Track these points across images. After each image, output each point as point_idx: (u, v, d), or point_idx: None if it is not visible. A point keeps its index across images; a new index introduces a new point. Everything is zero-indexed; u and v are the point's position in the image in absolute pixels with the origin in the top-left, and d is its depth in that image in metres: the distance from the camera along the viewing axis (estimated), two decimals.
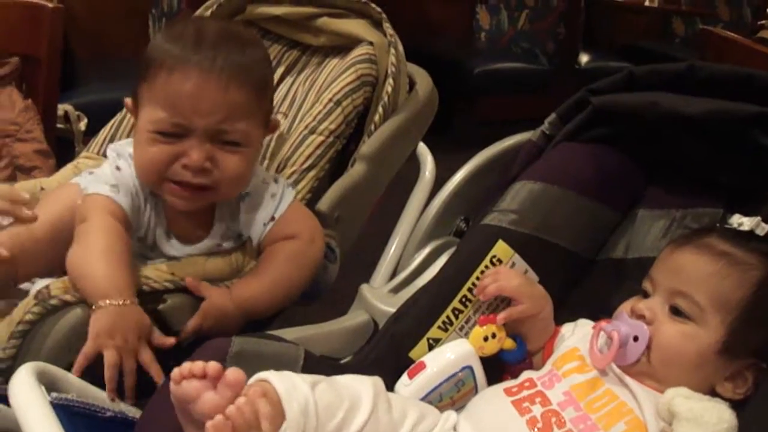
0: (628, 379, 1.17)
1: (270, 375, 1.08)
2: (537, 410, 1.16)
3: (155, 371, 1.33)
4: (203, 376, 1.03)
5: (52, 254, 1.47)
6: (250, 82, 1.49)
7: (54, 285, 1.38)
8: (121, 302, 1.34)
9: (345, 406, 1.10)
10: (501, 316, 1.28)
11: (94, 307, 1.33)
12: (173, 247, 1.56)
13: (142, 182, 1.52)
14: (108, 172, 1.53)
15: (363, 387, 1.14)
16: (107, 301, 1.33)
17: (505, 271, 1.34)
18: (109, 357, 1.30)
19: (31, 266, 1.48)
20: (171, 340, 1.39)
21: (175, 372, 1.04)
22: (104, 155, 1.87)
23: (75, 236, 1.44)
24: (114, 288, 1.35)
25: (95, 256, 1.39)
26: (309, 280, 1.58)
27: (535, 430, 1.13)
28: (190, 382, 1.03)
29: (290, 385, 1.06)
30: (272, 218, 1.58)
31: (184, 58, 1.45)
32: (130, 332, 1.33)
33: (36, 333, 1.34)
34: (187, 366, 1.04)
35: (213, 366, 1.03)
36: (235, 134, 1.48)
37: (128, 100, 1.56)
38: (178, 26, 1.58)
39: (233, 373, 1.03)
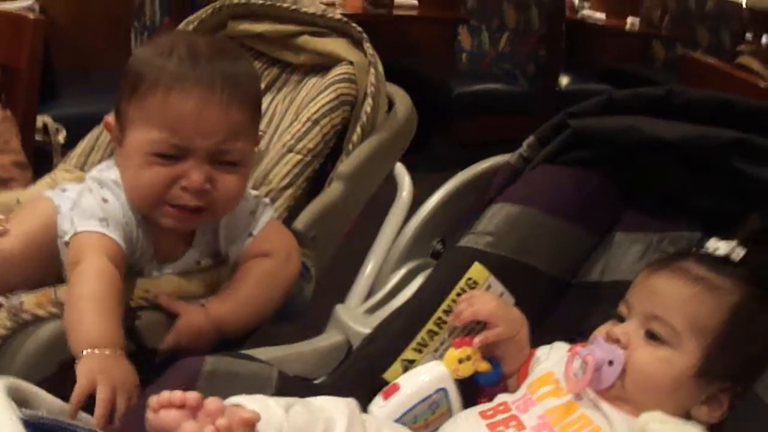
0: (602, 404, 1.16)
1: (243, 400, 1.07)
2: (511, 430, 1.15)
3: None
4: (182, 406, 1.01)
5: (24, 271, 1.45)
6: (248, 99, 1.48)
7: (27, 300, 1.36)
8: (108, 353, 1.28)
9: (319, 428, 1.09)
10: (477, 340, 1.28)
11: (83, 353, 1.27)
12: (154, 267, 1.53)
13: (135, 207, 1.47)
14: (93, 204, 1.46)
15: (337, 409, 1.14)
16: (96, 351, 1.27)
17: (480, 295, 1.34)
18: (103, 392, 1.22)
19: (1, 282, 1.44)
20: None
21: (153, 400, 1.02)
22: (81, 169, 1.87)
23: (69, 280, 1.39)
24: (103, 338, 1.30)
25: (87, 304, 1.33)
26: (284, 299, 1.56)
27: None
28: (169, 411, 1.01)
29: (263, 410, 1.05)
30: (250, 234, 1.57)
31: (182, 75, 1.40)
32: (122, 376, 1.27)
33: (8, 348, 1.33)
34: (165, 395, 1.02)
35: (192, 396, 1.01)
36: (234, 154, 1.45)
37: (109, 119, 1.51)
38: (165, 40, 1.51)
39: (213, 402, 1.01)
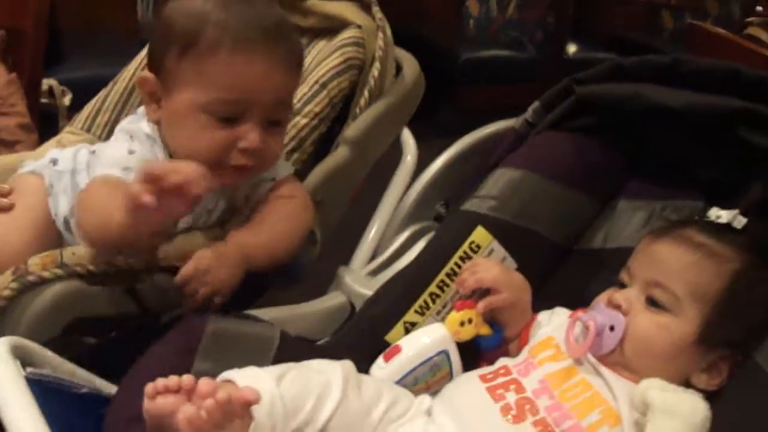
0: (603, 369, 1.17)
1: (235, 374, 1.08)
2: (511, 397, 1.16)
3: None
4: (177, 390, 1.01)
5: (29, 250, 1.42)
6: (300, 61, 1.50)
7: (32, 261, 1.36)
8: None
9: (314, 393, 1.10)
10: (480, 305, 1.28)
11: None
12: None
13: None
14: (118, 154, 1.44)
15: (333, 372, 1.14)
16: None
17: (483, 262, 1.34)
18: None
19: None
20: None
21: (149, 387, 1.02)
22: (87, 131, 1.87)
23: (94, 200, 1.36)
24: None
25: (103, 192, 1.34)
26: (302, 243, 1.57)
27: (509, 416, 1.13)
28: (166, 397, 1.01)
29: (255, 385, 1.06)
30: (273, 179, 1.57)
31: (246, 36, 1.39)
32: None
33: (13, 309, 1.33)
34: (161, 382, 1.01)
35: (187, 379, 1.01)
36: (283, 114, 1.48)
37: (147, 75, 1.47)
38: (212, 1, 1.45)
39: (205, 385, 1.01)
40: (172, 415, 1.00)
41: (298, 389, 1.09)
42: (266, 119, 1.43)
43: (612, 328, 1.18)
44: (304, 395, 1.09)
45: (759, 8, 6.46)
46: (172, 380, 1.01)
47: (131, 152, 1.44)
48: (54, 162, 1.59)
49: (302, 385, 1.10)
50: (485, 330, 1.29)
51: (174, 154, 1.46)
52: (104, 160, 1.43)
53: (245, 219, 1.54)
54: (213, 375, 1.11)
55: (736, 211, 1.25)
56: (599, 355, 1.19)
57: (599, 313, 1.21)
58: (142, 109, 1.54)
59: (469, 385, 1.22)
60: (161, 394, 1.01)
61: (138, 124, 1.50)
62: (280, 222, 1.53)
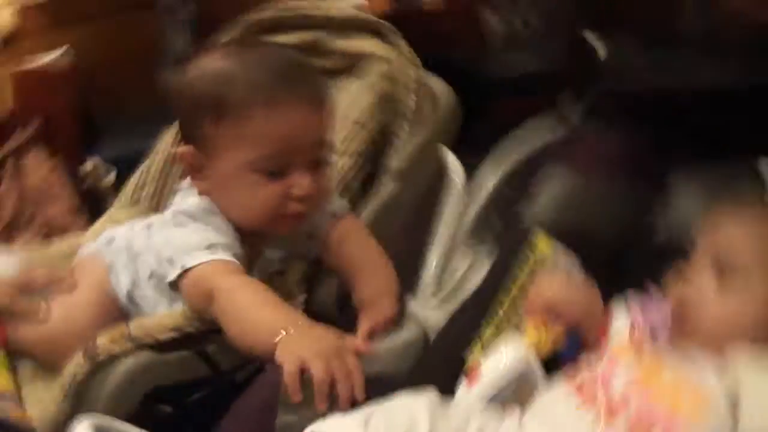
0: (687, 355, 1.15)
1: (321, 427, 1.08)
2: (601, 398, 1.14)
3: (358, 379, 1.18)
4: None
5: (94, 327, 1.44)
6: (327, 99, 1.50)
7: (101, 340, 1.37)
8: (300, 324, 1.26)
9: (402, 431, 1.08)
10: (556, 329, 1.27)
11: (276, 341, 1.22)
12: None
13: (244, 226, 1.47)
14: (192, 237, 1.43)
15: (418, 407, 1.12)
16: (288, 330, 1.23)
17: (548, 281, 1.32)
18: (318, 370, 1.14)
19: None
20: (369, 347, 1.30)
21: None
22: (135, 203, 1.89)
23: (219, 308, 1.35)
24: (286, 318, 1.28)
25: (253, 306, 1.33)
26: None
27: (599, 417, 1.11)
28: None
29: None
30: (333, 214, 1.58)
31: (275, 88, 1.41)
32: (324, 336, 1.24)
33: (89, 390, 1.35)
34: None
35: None
36: (325, 153, 1.48)
37: (186, 150, 1.47)
38: (227, 54, 1.51)
39: None
40: None
41: (385, 430, 1.08)
42: (311, 162, 1.44)
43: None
44: None
45: None
46: None
47: (205, 229, 1.44)
48: (110, 241, 1.59)
49: (389, 426, 1.08)
50: (563, 341, 1.27)
51: (232, 219, 1.46)
52: (185, 248, 1.41)
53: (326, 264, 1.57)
54: (299, 426, 1.11)
55: None
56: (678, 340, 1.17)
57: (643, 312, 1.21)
58: (186, 185, 1.54)
59: (557, 393, 1.19)
60: None
61: (188, 201, 1.49)
62: (380, 257, 1.55)
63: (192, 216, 1.46)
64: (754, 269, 1.15)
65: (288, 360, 1.17)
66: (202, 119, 1.43)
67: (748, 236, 1.17)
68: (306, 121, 1.42)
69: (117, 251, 1.56)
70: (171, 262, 1.42)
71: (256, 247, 1.53)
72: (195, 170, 1.48)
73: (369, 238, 1.59)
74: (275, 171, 1.41)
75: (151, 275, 1.49)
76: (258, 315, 1.31)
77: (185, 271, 1.40)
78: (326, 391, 1.15)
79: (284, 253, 1.57)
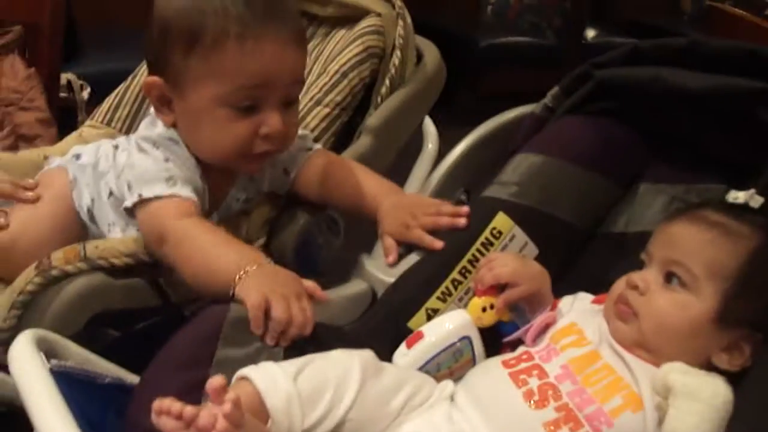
0: (625, 354, 1.17)
1: (251, 372, 1.07)
2: (534, 383, 1.16)
3: (310, 324, 1.19)
4: (179, 418, 0.98)
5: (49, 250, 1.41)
6: (305, 37, 1.47)
7: (54, 256, 1.37)
8: (261, 263, 1.27)
9: (331, 386, 1.09)
10: (500, 300, 1.28)
11: (237, 278, 1.23)
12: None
13: (210, 161, 1.45)
14: (153, 165, 1.40)
15: (351, 363, 1.13)
16: (250, 267, 1.24)
17: (500, 257, 1.33)
18: (279, 310, 1.16)
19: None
20: (324, 295, 1.27)
21: (155, 405, 0.98)
22: (107, 123, 1.88)
23: (166, 252, 1.36)
24: (247, 257, 1.28)
25: (211, 247, 1.31)
26: None
27: (531, 402, 1.13)
28: (168, 420, 0.98)
29: (271, 383, 1.06)
30: (309, 149, 1.59)
31: (250, 21, 1.34)
32: (287, 278, 1.24)
33: (37, 303, 1.34)
34: (166, 403, 0.98)
35: (188, 411, 0.97)
36: (298, 92, 1.46)
37: (154, 80, 1.42)
38: None
39: (205, 418, 0.98)
40: None
41: (315, 383, 1.09)
42: (283, 100, 1.41)
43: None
44: (322, 389, 1.08)
45: None
46: (175, 407, 0.97)
47: (167, 160, 1.42)
48: (77, 157, 1.59)
49: (320, 379, 1.09)
50: (507, 316, 1.29)
51: (198, 153, 1.45)
52: (144, 176, 1.40)
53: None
54: (235, 362, 1.13)
55: (752, 191, 1.25)
56: (617, 339, 1.19)
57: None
58: (153, 113, 1.51)
59: (491, 371, 1.21)
60: (165, 415, 0.98)
61: (155, 130, 1.47)
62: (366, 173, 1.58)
63: (155, 143, 1.44)
64: (701, 273, 1.16)
65: (252, 295, 1.18)
66: (171, 50, 1.38)
67: (697, 240, 1.19)
68: (281, 57, 1.38)
69: (82, 168, 1.55)
70: (129, 187, 1.41)
71: (220, 184, 1.52)
72: (162, 102, 1.44)
73: (348, 161, 1.61)
74: (245, 107, 1.38)
75: (110, 194, 1.49)
76: (217, 254, 1.30)
77: (142, 201, 1.39)
78: (280, 330, 1.17)
79: (252, 192, 1.57)
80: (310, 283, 1.25)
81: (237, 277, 1.23)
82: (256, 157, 1.44)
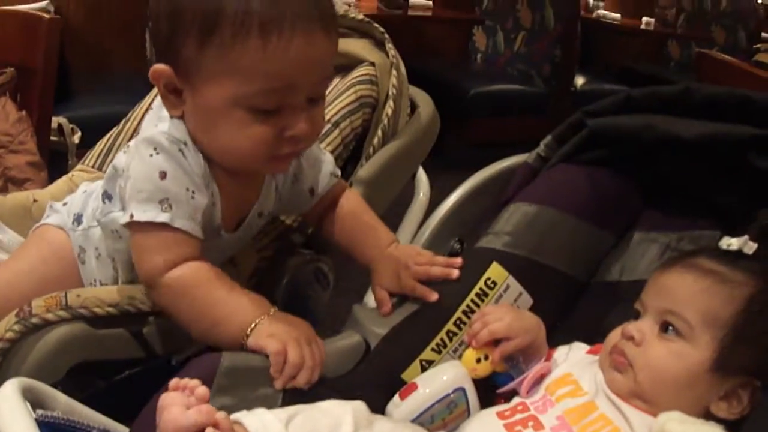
0: (622, 404, 1.16)
1: (243, 418, 1.06)
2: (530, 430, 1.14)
3: (318, 369, 1.19)
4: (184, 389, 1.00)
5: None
6: (336, 22, 1.28)
7: (35, 303, 1.33)
8: (273, 313, 1.24)
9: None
10: (496, 353, 1.27)
11: (249, 330, 1.21)
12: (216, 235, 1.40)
13: (229, 164, 1.32)
14: (149, 183, 1.26)
15: (343, 414, 1.11)
16: (263, 317, 1.22)
17: (494, 311, 1.31)
18: (294, 355, 1.15)
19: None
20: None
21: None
22: (98, 168, 1.86)
23: (170, 298, 1.29)
24: (258, 309, 1.25)
25: (218, 300, 1.26)
26: None
27: None
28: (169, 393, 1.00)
29: (263, 429, 1.04)
30: (336, 175, 1.55)
31: (275, 14, 1.17)
32: (298, 323, 1.23)
33: (17, 351, 1.31)
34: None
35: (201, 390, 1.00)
36: (325, 88, 1.36)
37: (163, 68, 1.25)
38: None
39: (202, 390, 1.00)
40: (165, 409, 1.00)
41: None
42: (309, 98, 1.27)
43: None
44: None
45: (765, 35, 6.50)
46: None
47: (163, 175, 1.26)
48: (78, 221, 1.51)
49: (311, 428, 1.08)
50: (501, 367, 1.28)
51: (211, 155, 1.31)
52: (138, 192, 1.27)
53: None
54: (229, 411, 1.10)
55: (746, 237, 1.25)
56: (613, 389, 1.18)
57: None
58: (159, 104, 1.36)
59: (486, 423, 1.20)
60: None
61: (159, 126, 1.31)
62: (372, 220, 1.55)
63: (157, 147, 1.28)
64: (696, 322, 1.16)
65: (271, 343, 1.17)
66: (183, 37, 1.21)
67: (692, 289, 1.18)
68: (309, 54, 1.21)
69: (85, 236, 1.50)
70: (124, 203, 1.31)
71: (242, 192, 1.43)
72: (169, 90, 1.29)
73: (361, 201, 1.58)
74: (266, 110, 1.23)
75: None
76: (223, 306, 1.26)
77: (133, 222, 1.28)
78: (294, 374, 1.16)
79: (274, 205, 1.51)
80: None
81: (249, 329, 1.21)
82: (281, 158, 1.31)
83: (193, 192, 1.28)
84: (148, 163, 1.27)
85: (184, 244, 1.28)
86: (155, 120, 1.35)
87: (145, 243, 1.29)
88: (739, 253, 1.24)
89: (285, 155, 1.30)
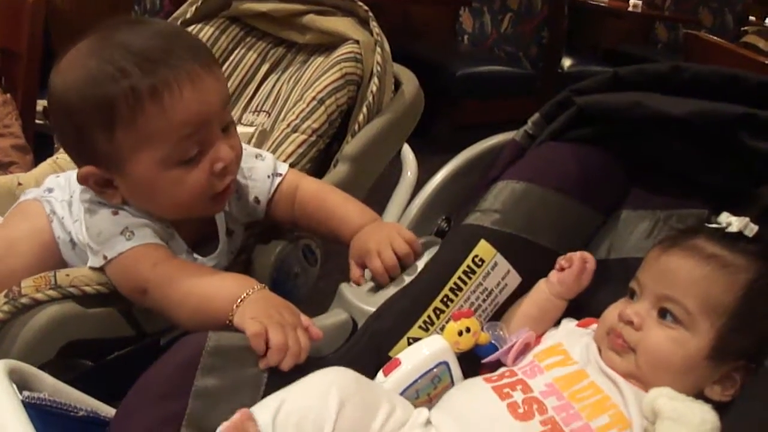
0: (614, 374, 1.16)
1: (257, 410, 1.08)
2: (518, 396, 1.14)
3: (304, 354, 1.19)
4: None
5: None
6: (214, 57, 1.40)
7: (24, 283, 1.34)
8: (258, 287, 1.26)
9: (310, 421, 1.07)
10: (479, 330, 1.27)
11: (235, 307, 1.23)
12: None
13: (177, 217, 1.41)
14: (104, 224, 1.36)
15: (328, 391, 1.11)
16: (245, 293, 1.24)
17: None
18: (277, 338, 1.16)
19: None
20: (318, 333, 1.24)
21: None
22: None
23: (160, 295, 1.32)
24: (242, 284, 1.28)
25: (205, 286, 1.30)
26: None
27: (515, 413, 1.11)
28: None
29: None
30: (278, 174, 1.56)
31: (158, 69, 1.25)
32: (283, 308, 1.23)
33: (6, 332, 1.31)
34: None
35: None
36: (230, 113, 1.40)
37: (89, 170, 1.33)
38: (89, 59, 1.29)
39: None
40: None
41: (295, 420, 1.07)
42: (222, 127, 1.35)
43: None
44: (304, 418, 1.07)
45: (752, 18, 6.51)
46: None
47: (115, 212, 1.38)
48: (50, 190, 1.53)
49: (299, 415, 1.08)
50: (484, 338, 1.27)
51: (159, 214, 1.40)
52: (100, 237, 1.36)
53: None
54: (214, 391, 1.12)
55: (747, 219, 1.23)
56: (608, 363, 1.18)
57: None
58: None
59: (472, 387, 1.20)
60: None
61: (89, 201, 1.41)
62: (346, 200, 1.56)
63: (90, 210, 1.39)
64: (696, 309, 1.16)
65: (250, 325, 1.17)
66: (90, 134, 1.29)
67: (692, 275, 1.18)
68: (202, 93, 1.29)
69: (58, 203, 1.51)
70: (92, 250, 1.38)
71: (198, 229, 1.49)
72: (102, 185, 1.37)
73: (326, 185, 1.59)
74: (192, 156, 1.32)
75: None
76: (211, 289, 1.29)
77: (108, 261, 1.36)
78: (279, 357, 1.16)
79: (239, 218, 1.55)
80: (306, 320, 1.24)
81: (234, 305, 1.23)
82: (219, 196, 1.38)
83: (147, 222, 1.38)
84: (97, 211, 1.39)
85: (157, 251, 1.36)
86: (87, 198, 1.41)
87: (125, 268, 1.35)
88: (739, 235, 1.22)
89: (222, 192, 1.38)
